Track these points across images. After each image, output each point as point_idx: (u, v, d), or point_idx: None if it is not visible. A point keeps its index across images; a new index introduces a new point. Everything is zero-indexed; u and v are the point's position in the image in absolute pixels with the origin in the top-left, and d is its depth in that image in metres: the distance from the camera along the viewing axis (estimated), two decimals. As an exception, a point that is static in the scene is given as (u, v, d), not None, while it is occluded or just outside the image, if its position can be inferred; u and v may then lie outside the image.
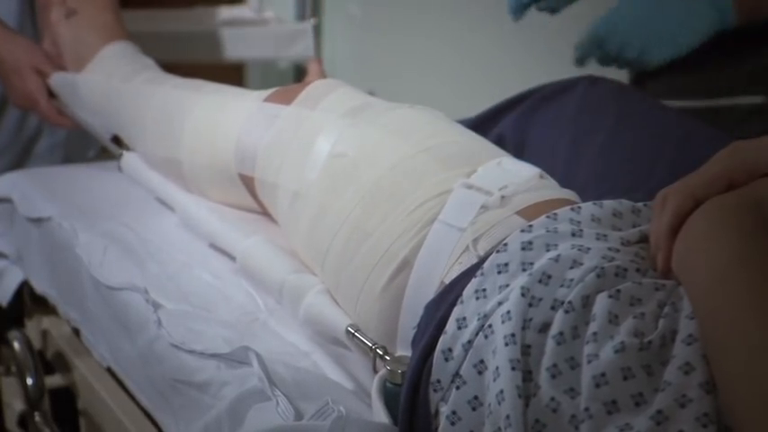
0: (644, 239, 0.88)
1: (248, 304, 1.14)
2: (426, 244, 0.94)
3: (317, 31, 2.27)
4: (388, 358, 0.92)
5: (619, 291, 0.78)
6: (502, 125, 1.23)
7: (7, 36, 1.60)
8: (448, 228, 0.94)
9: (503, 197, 0.95)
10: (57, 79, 1.54)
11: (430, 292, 0.92)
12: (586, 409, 0.73)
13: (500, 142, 1.22)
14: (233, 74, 2.48)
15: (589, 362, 0.75)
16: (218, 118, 1.25)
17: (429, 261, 0.94)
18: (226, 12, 2.40)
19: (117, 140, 1.49)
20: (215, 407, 0.96)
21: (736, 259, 0.74)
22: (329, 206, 1.04)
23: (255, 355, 0.96)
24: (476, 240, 0.92)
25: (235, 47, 2.14)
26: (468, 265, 0.90)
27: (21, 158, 1.81)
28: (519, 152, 1.19)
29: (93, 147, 1.82)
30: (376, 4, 2.33)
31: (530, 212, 0.93)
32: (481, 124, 1.25)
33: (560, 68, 1.52)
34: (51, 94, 1.57)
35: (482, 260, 0.88)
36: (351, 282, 1.00)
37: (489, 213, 0.94)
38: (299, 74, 2.35)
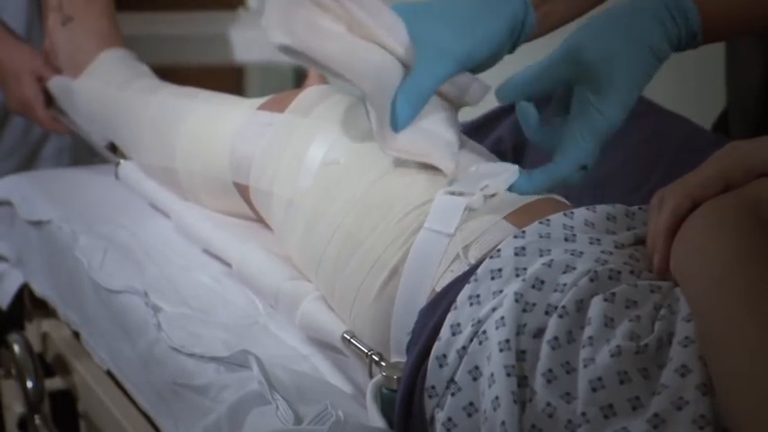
0: (638, 242, 0.88)
1: (247, 307, 1.14)
2: (413, 252, 0.94)
3: (318, 33, 2.26)
4: (383, 364, 0.92)
5: (614, 294, 0.78)
6: (501, 128, 1.23)
7: (8, 41, 1.60)
8: (435, 234, 0.93)
9: (485, 196, 0.94)
10: (55, 83, 1.54)
11: (420, 300, 0.91)
12: (583, 414, 0.73)
13: (499, 144, 1.22)
14: (233, 77, 2.49)
15: (585, 366, 0.75)
16: (213, 126, 1.24)
17: (418, 269, 0.93)
18: (226, 15, 2.40)
19: (113, 147, 1.49)
20: (214, 410, 0.96)
21: (734, 260, 0.74)
22: (322, 213, 1.04)
23: (255, 359, 0.95)
24: (466, 248, 0.92)
25: (235, 50, 2.14)
26: (460, 273, 0.90)
27: (28, 162, 1.81)
28: (518, 155, 1.19)
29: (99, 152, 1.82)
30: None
31: (517, 216, 0.93)
32: (480, 127, 1.25)
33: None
34: (50, 101, 1.57)
35: (474, 267, 0.88)
36: (345, 289, 0.99)
37: (477, 219, 0.93)
38: (298, 77, 2.35)
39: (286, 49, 0.94)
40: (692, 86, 1.19)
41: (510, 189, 0.95)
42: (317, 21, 0.96)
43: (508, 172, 0.96)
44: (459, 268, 0.91)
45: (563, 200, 0.99)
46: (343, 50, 0.96)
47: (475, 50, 0.99)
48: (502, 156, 1.16)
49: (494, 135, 1.22)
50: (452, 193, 0.95)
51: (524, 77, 0.95)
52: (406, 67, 0.99)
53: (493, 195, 0.94)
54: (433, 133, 0.99)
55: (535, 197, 0.96)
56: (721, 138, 1.18)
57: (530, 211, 0.93)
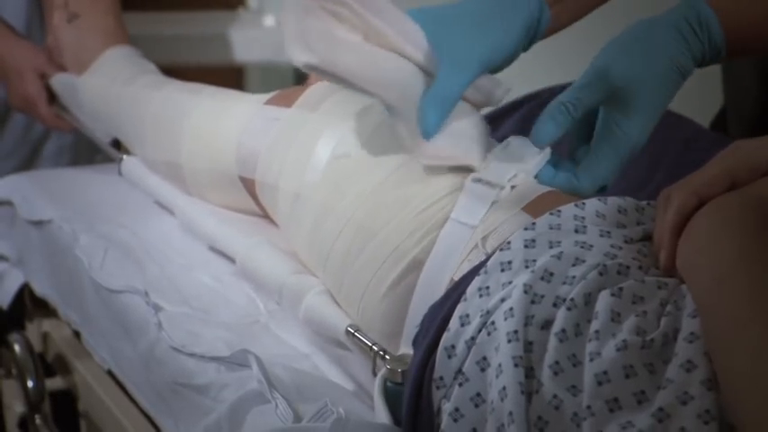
0: (647, 238, 0.88)
1: (248, 307, 1.14)
2: (439, 243, 0.94)
3: (318, 34, 2.26)
4: (388, 357, 0.92)
5: (621, 289, 0.78)
6: (503, 129, 1.23)
7: (11, 39, 1.61)
8: (460, 226, 0.94)
9: (513, 187, 0.96)
10: (58, 80, 1.54)
11: (440, 291, 0.92)
12: (588, 407, 0.73)
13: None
14: (233, 77, 2.49)
15: (591, 360, 0.75)
16: (219, 121, 1.24)
17: (441, 260, 0.94)
18: (226, 15, 2.40)
19: (116, 144, 1.49)
20: (215, 410, 0.96)
21: (739, 258, 0.74)
22: (332, 206, 1.04)
23: (255, 358, 0.95)
24: (485, 238, 0.93)
25: (235, 50, 2.14)
26: (477, 263, 0.90)
27: (29, 160, 1.81)
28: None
29: (101, 150, 1.82)
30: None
31: (535, 206, 0.93)
32: (484, 125, 1.25)
33: (562, 72, 1.52)
34: (52, 98, 1.57)
35: (487, 258, 0.88)
36: (354, 281, 0.99)
37: (497, 209, 0.94)
38: (299, 77, 2.35)
39: (309, 67, 0.95)
40: (690, 86, 1.19)
41: (535, 175, 0.97)
42: (334, 32, 0.96)
43: (536, 159, 0.98)
44: (477, 258, 0.91)
45: None
46: (363, 62, 0.96)
47: (495, 53, 0.99)
48: None
49: (498, 134, 1.22)
50: (479, 181, 0.96)
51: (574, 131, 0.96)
52: (427, 73, 0.99)
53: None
54: (464, 136, 1.00)
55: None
56: (724, 138, 1.18)
57: (548, 201, 0.93)
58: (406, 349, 0.93)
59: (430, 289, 0.93)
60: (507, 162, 0.98)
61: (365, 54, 0.97)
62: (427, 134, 0.97)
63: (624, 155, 0.95)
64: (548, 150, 0.98)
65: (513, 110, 1.23)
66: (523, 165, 0.97)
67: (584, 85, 0.94)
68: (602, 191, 0.96)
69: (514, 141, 1.01)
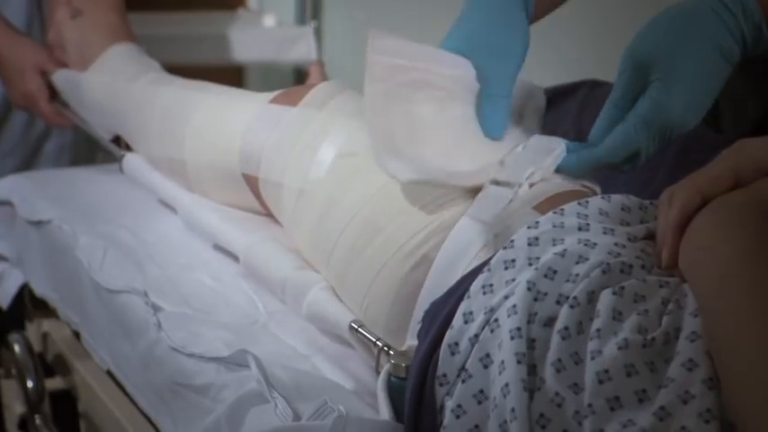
0: (650, 236, 0.88)
1: (248, 307, 1.14)
2: (450, 239, 0.95)
3: (318, 34, 2.27)
4: (392, 352, 0.93)
5: (623, 288, 0.78)
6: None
7: (12, 36, 1.61)
8: (473, 223, 0.95)
9: (531, 185, 0.96)
10: (60, 76, 1.54)
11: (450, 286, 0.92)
12: (589, 405, 0.73)
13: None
14: (233, 77, 2.49)
15: (592, 358, 0.75)
16: (223, 118, 1.25)
17: (452, 257, 0.94)
18: (226, 15, 2.40)
19: (117, 141, 1.49)
20: (214, 410, 0.96)
21: (742, 257, 0.73)
22: (337, 202, 1.04)
23: (253, 358, 0.95)
24: (497, 236, 0.93)
25: (235, 50, 2.14)
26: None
27: (29, 160, 1.82)
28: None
29: (101, 148, 1.83)
30: (377, 7, 2.34)
31: (547, 205, 0.94)
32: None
33: (563, 73, 1.52)
34: (53, 96, 1.57)
35: (491, 256, 0.88)
36: (359, 277, 1.00)
37: (510, 207, 0.94)
38: (299, 77, 2.35)
39: (410, 181, 0.96)
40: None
41: (557, 168, 0.98)
42: (416, 110, 0.99)
43: (554, 154, 0.98)
44: (487, 256, 0.91)
45: (597, 190, 1.00)
46: (446, 152, 0.99)
47: (520, 39, 1.04)
48: None
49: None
50: (498, 183, 0.97)
51: (609, 114, 0.96)
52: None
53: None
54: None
55: (568, 187, 0.98)
56: (725, 140, 1.18)
57: (559, 200, 0.94)
58: (411, 344, 0.93)
59: (440, 285, 0.93)
60: (526, 161, 0.99)
61: (448, 144, 0.99)
62: (492, 135, 1.00)
63: (654, 126, 0.93)
64: (564, 146, 0.99)
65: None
66: (542, 162, 0.98)
67: (620, 73, 0.94)
68: (634, 161, 0.95)
69: (534, 141, 1.01)
